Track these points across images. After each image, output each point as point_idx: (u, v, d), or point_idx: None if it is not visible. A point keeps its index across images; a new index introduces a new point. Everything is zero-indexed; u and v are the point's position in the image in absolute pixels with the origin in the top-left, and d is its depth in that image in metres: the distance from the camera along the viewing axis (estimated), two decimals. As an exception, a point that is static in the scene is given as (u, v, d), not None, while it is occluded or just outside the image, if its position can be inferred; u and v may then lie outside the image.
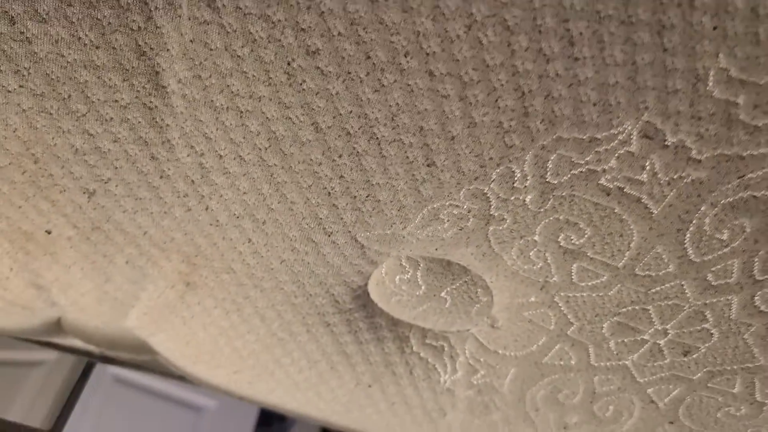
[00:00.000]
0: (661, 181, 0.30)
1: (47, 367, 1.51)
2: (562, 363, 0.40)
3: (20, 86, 0.31)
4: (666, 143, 0.29)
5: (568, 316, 0.37)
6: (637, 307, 0.36)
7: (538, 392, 0.43)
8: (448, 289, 0.38)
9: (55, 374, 1.47)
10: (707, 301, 0.34)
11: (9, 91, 0.31)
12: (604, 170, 0.31)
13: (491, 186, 0.32)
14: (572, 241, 0.34)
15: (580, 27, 0.25)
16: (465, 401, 0.45)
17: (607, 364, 0.39)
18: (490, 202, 0.33)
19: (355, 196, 0.33)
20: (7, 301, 0.44)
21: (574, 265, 0.35)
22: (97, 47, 0.30)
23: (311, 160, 0.31)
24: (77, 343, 0.53)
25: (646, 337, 0.37)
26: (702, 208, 0.31)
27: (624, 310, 0.36)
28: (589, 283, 0.35)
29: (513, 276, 0.36)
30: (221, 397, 1.68)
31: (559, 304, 0.37)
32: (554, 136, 0.29)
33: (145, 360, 0.53)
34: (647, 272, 0.34)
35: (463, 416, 0.46)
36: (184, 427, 1.59)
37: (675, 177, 0.30)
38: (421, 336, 0.42)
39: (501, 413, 0.45)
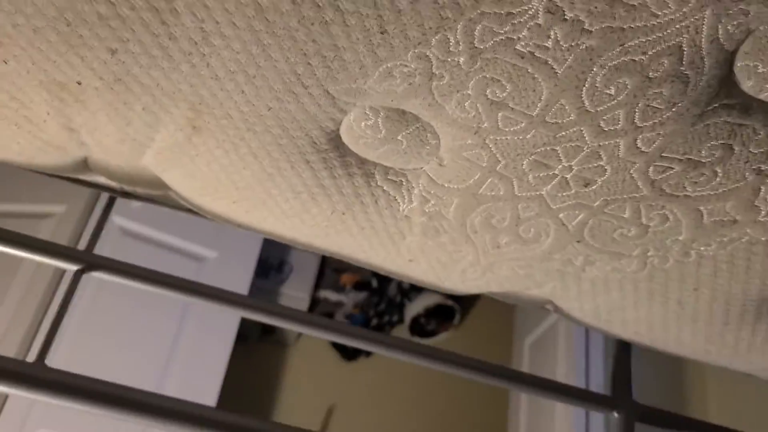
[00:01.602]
0: (563, 48, 0.39)
1: (57, 218, 1.63)
2: (493, 194, 0.51)
3: (52, -39, 0.39)
4: (565, 17, 0.37)
5: (497, 155, 0.47)
6: (548, 148, 0.46)
7: (476, 218, 0.54)
8: (404, 133, 0.48)
9: (63, 226, 1.59)
10: (601, 143, 0.44)
11: (43, -35, 0.39)
12: (519, 38, 0.39)
13: (432, 50, 0.40)
14: (497, 95, 0.43)
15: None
16: (419, 226, 0.56)
17: (528, 194, 0.50)
18: (431, 62, 0.41)
19: (325, 56, 0.41)
20: (44, 141, 0.53)
21: (500, 114, 0.44)
22: (114, -70, 0.37)
23: (289, 26, 0.39)
24: (101, 179, 0.63)
25: (556, 172, 0.47)
26: (594, 69, 0.40)
27: (538, 150, 0.46)
28: (511, 129, 0.45)
29: (453, 123, 0.46)
30: (221, 248, 1.83)
31: (490, 146, 0.47)
32: (479, 11, 0.38)
33: (158, 194, 0.64)
34: (555, 120, 0.43)
35: (419, 239, 0.58)
36: (187, 275, 1.74)
37: (573, 44, 0.39)
38: (384, 172, 0.52)
39: (448, 235, 0.56)
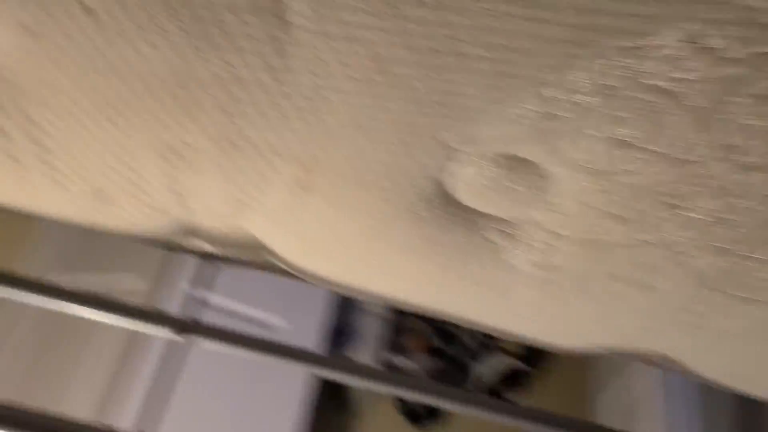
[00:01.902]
0: (698, 78, 0.37)
1: (129, 289, 1.66)
2: (613, 239, 0.48)
3: (174, 27, 0.39)
4: (703, 46, 0.35)
5: (618, 198, 0.45)
6: (676, 187, 0.43)
7: (594, 267, 0.51)
8: (519, 180, 0.46)
9: (134, 297, 1.62)
10: (738, 179, 0.41)
11: (165, 30, 0.40)
12: (648, 71, 0.37)
13: (553, 89, 0.39)
14: (621, 133, 0.41)
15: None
16: (534, 278, 0.53)
17: (652, 237, 0.47)
18: (552, 103, 0.40)
19: (441, 103, 0.40)
20: (149, 205, 0.54)
21: (623, 153, 0.42)
22: (236, -8, 0.37)
23: (409, 75, 0.38)
24: (197, 244, 0.63)
25: (684, 212, 0.44)
26: (736, 99, 0.37)
27: (664, 189, 0.43)
28: (635, 168, 0.42)
29: (573, 166, 0.44)
30: (292, 317, 1.83)
31: (611, 188, 0.44)
32: (606, 45, 0.36)
33: (256, 258, 0.63)
34: (684, 156, 0.41)
35: (533, 292, 0.55)
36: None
37: (710, 74, 0.36)
38: (497, 223, 0.50)
39: (564, 288, 0.53)
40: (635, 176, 0.43)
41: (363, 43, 0.38)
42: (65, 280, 1.63)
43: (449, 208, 0.49)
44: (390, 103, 0.40)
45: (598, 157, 0.42)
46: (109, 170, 0.49)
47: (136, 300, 1.60)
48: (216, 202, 0.51)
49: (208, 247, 0.64)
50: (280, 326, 1.83)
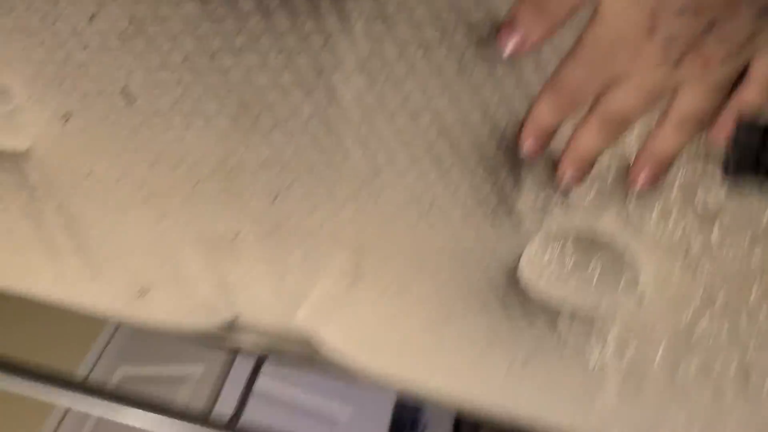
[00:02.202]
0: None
1: (193, 381, 1.64)
2: (711, 337, 0.41)
3: (217, 111, 0.37)
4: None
5: (715, 286, 0.39)
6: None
7: (689, 369, 0.44)
8: (595, 262, 0.41)
9: (201, 388, 1.59)
10: None
11: (208, 116, 0.38)
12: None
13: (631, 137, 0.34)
14: (710, 202, 0.35)
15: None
16: (615, 381, 0.47)
17: (760, 336, 0.40)
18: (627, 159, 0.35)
19: (512, 167, 0.36)
20: (194, 302, 0.51)
21: (716, 229, 0.36)
22: (282, 70, 0.35)
23: (477, 141, 0.35)
24: (246, 339, 0.59)
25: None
26: None
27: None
28: (733, 249, 0.37)
29: (656, 244, 0.38)
30: (354, 408, 1.75)
31: (704, 274, 0.38)
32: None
33: (308, 354, 0.59)
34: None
35: (614, 399, 0.48)
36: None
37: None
38: (571, 313, 0.44)
39: (651, 393, 0.46)
40: (734, 258, 0.37)
41: (427, 113, 0.34)
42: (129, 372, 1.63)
43: (521, 295, 0.43)
44: (455, 176, 0.37)
45: (686, 234, 0.37)
46: (150, 264, 0.46)
47: (199, 391, 1.58)
48: (265, 294, 0.48)
49: (260, 342, 0.61)
50: (342, 419, 1.75)
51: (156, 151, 0.39)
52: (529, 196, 0.37)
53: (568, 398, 0.49)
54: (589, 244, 0.40)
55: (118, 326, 1.72)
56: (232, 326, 0.57)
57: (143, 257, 0.47)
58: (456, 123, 0.34)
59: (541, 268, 0.42)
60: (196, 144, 0.39)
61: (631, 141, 0.36)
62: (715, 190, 0.35)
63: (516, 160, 0.36)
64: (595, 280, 0.42)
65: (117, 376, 1.71)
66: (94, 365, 1.70)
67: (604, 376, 0.47)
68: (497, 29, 0.31)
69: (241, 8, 0.34)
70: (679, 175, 0.36)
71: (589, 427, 0.52)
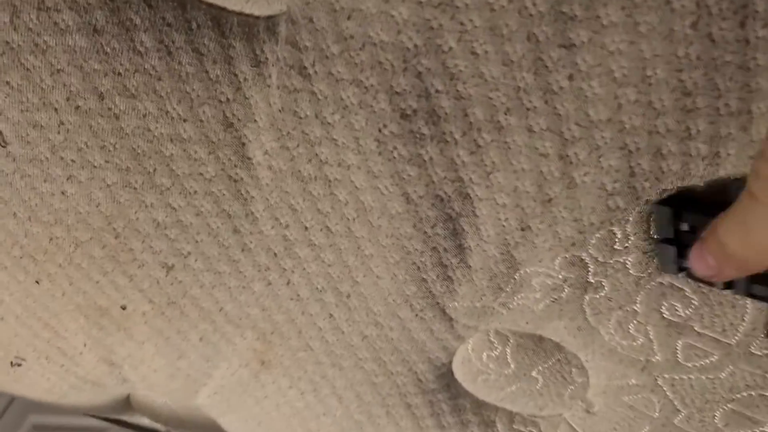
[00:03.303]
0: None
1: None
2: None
3: (106, 161, 0.31)
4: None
5: (675, 403, 0.34)
6: (754, 393, 0.32)
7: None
8: (540, 368, 0.36)
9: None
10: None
11: (95, 167, 0.31)
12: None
13: (589, 251, 0.30)
14: (677, 312, 0.31)
15: (695, 77, 0.24)
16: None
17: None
18: (587, 268, 0.30)
19: (445, 265, 0.31)
20: (79, 378, 0.43)
21: (680, 342, 0.32)
22: (184, 120, 0.30)
23: (400, 234, 0.29)
24: (144, 421, 0.52)
25: (767, 429, 0.33)
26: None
27: (739, 396, 0.32)
28: (697, 364, 0.32)
29: (611, 354, 0.34)
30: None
31: (664, 388, 0.34)
32: (659, 190, 0.27)
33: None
34: (766, 351, 0.31)
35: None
36: None
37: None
38: (509, 420, 0.39)
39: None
40: (698, 374, 0.33)
41: (344, 186, 0.29)
42: None
43: (452, 398, 0.38)
44: (376, 266, 0.31)
45: (647, 345, 0.32)
46: (24, 332, 0.39)
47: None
48: (160, 376, 0.41)
49: (160, 427, 0.53)
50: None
51: (30, 205, 0.33)
52: (465, 299, 0.32)
53: None
54: (535, 347, 0.35)
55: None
56: (126, 405, 0.49)
57: (16, 324, 0.39)
58: (375, 207, 0.29)
59: (478, 370, 0.36)
60: (78, 200, 0.32)
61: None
62: (681, 301, 0.31)
63: (449, 260, 0.31)
64: (538, 386, 0.37)
65: (26, 426, 1.57)
66: (3, 413, 1.55)
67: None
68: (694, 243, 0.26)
69: (138, 44, 0.29)
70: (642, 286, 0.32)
71: None
